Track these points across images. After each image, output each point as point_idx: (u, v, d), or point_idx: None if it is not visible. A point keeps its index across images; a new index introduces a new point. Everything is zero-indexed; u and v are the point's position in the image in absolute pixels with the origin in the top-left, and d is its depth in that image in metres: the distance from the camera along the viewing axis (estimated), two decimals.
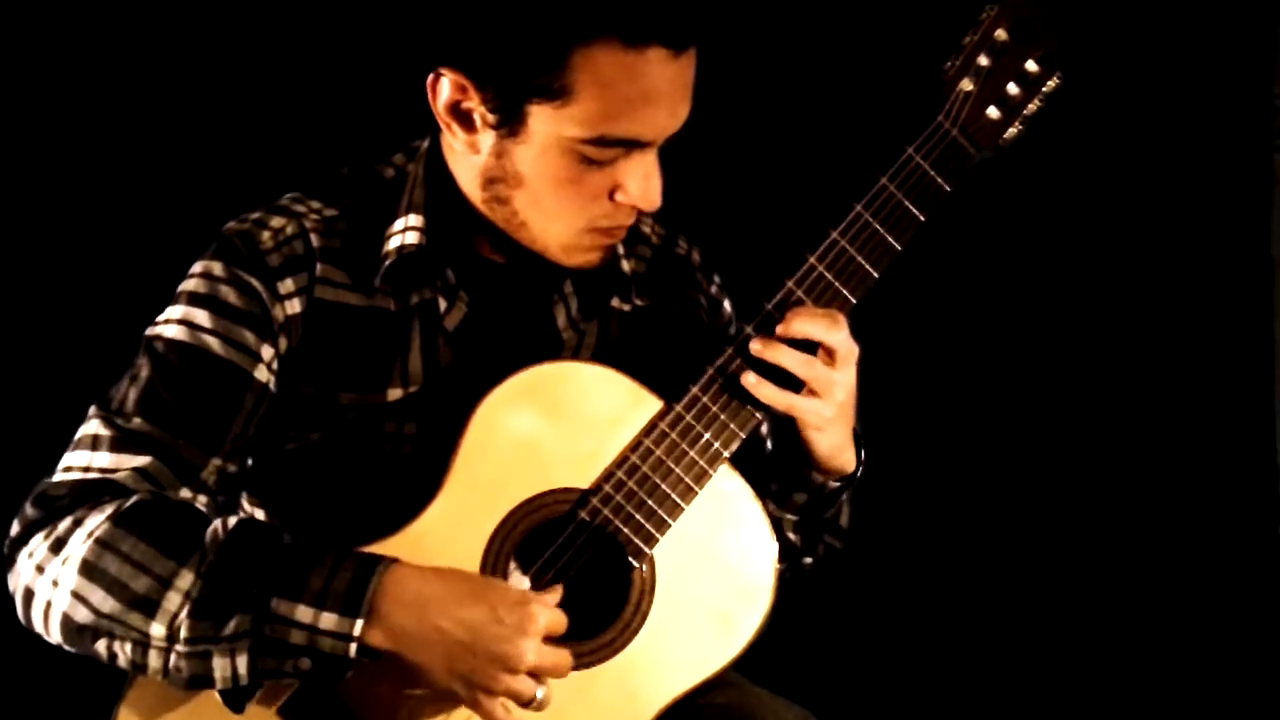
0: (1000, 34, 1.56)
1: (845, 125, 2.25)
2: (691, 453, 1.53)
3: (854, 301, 1.56)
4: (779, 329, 1.52)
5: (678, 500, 1.52)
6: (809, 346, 1.52)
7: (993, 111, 1.57)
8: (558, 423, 1.53)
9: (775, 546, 1.57)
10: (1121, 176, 2.38)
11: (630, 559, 1.52)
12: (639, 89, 1.44)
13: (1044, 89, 1.57)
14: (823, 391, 1.52)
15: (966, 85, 1.56)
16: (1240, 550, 2.40)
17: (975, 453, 2.43)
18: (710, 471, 1.53)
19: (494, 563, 1.50)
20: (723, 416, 1.54)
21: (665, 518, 1.52)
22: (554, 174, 1.49)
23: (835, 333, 1.52)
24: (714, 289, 1.78)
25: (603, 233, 1.54)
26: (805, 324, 1.51)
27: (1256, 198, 2.39)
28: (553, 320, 1.63)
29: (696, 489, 1.53)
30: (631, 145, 1.47)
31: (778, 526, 1.65)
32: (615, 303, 1.67)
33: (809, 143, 2.32)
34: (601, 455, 1.53)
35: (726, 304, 1.79)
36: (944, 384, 2.42)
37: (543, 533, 1.52)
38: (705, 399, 1.54)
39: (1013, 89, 1.57)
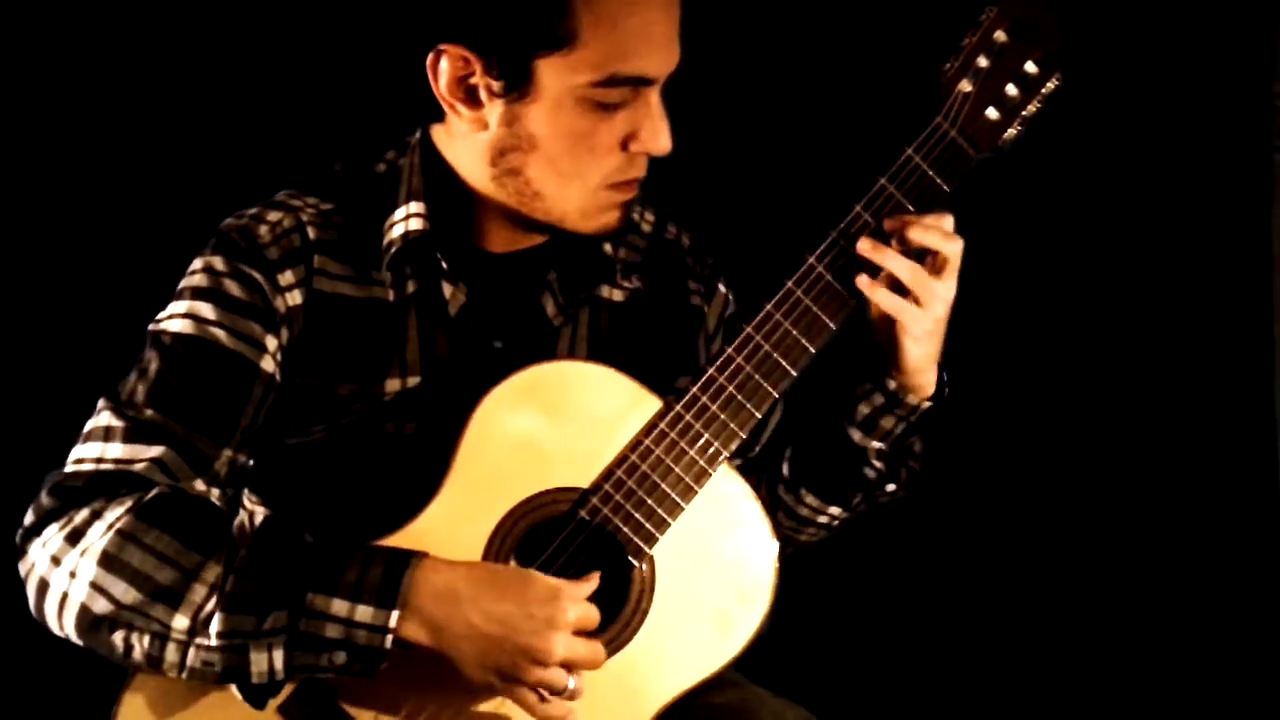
0: (999, 35, 1.56)
1: (845, 126, 2.25)
2: (691, 452, 1.53)
3: (853, 301, 1.56)
4: (896, 233, 1.53)
5: (677, 500, 1.53)
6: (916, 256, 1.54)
7: (991, 112, 1.57)
8: (557, 422, 1.53)
9: (775, 546, 1.57)
10: (1121, 177, 2.38)
11: (630, 558, 1.52)
12: (638, 22, 1.48)
13: (1043, 90, 1.57)
14: (925, 301, 1.54)
15: (965, 86, 1.56)
16: (1240, 550, 2.40)
17: (976, 452, 2.43)
18: (710, 471, 1.54)
19: (494, 560, 1.50)
20: (722, 416, 1.54)
21: (665, 517, 1.52)
22: (568, 129, 1.51)
23: (951, 244, 1.54)
24: (706, 271, 1.79)
25: (618, 188, 1.56)
26: (921, 233, 1.53)
27: (1256, 198, 2.38)
28: (542, 309, 1.64)
29: (696, 488, 1.53)
30: (638, 83, 1.50)
31: (860, 459, 1.66)
32: (606, 292, 1.68)
33: (809, 144, 2.32)
34: (601, 454, 1.53)
35: (720, 285, 1.80)
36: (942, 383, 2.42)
37: (543, 531, 1.52)
38: (705, 399, 1.54)
39: (1011, 90, 1.57)
